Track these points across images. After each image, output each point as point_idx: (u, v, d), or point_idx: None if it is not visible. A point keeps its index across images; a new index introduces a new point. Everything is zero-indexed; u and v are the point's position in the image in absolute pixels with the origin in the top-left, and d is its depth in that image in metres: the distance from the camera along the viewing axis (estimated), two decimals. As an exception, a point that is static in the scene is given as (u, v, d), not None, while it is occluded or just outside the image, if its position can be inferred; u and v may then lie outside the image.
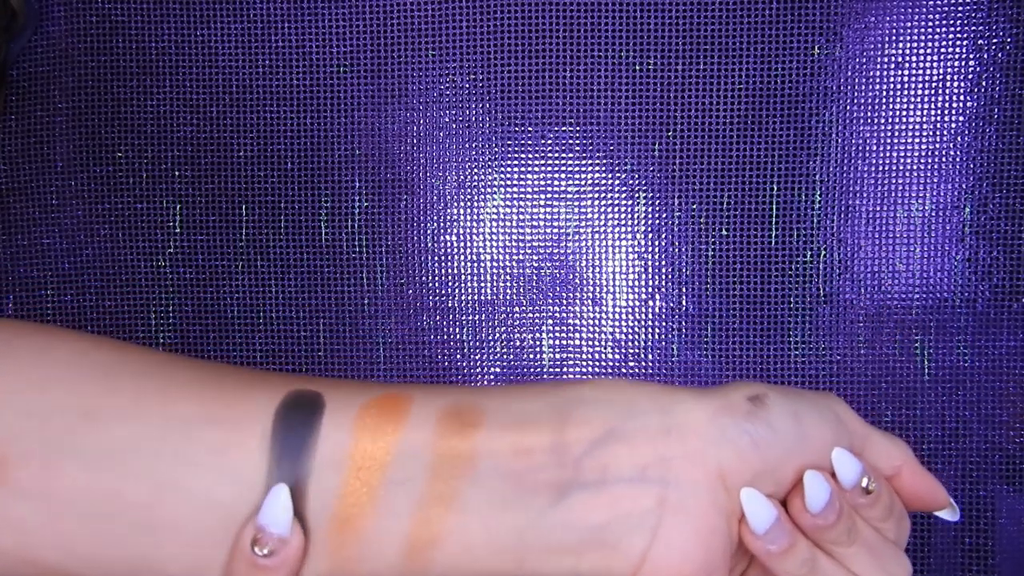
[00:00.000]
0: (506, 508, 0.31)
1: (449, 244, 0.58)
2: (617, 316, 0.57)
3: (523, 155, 0.57)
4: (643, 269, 0.57)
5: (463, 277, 0.58)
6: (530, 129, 0.57)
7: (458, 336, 0.58)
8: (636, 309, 0.57)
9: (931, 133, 0.55)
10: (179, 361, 0.35)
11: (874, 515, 0.34)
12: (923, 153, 0.55)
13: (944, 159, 0.55)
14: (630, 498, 0.31)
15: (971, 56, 0.54)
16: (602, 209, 0.57)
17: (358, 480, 0.31)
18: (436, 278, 0.58)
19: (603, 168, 0.57)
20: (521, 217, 0.57)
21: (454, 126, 0.57)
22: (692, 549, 0.31)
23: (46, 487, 0.31)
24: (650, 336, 0.57)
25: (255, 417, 0.32)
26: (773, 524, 0.32)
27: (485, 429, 0.32)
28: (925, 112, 0.55)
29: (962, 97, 0.55)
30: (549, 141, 0.57)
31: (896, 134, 0.55)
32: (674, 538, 0.31)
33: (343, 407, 0.32)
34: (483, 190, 0.57)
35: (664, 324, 0.57)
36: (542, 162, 0.57)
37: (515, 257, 0.57)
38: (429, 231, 0.58)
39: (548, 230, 0.57)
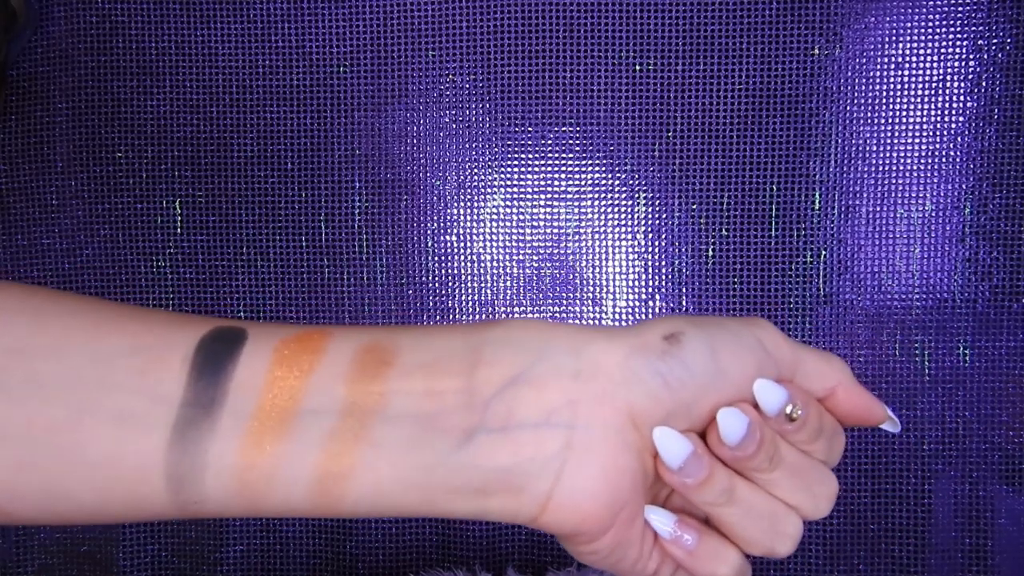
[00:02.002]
0: (415, 447, 0.31)
1: (449, 244, 0.58)
2: (617, 316, 0.57)
3: (523, 155, 0.57)
4: (643, 269, 0.57)
5: (463, 277, 0.58)
6: (530, 129, 0.57)
7: (458, 336, 0.58)
8: (636, 309, 0.57)
9: (931, 133, 0.55)
10: (109, 304, 0.36)
11: (801, 439, 0.34)
12: (923, 153, 0.55)
13: (944, 159, 0.55)
14: (534, 442, 0.31)
15: (971, 56, 0.54)
16: (602, 209, 0.57)
17: (272, 405, 0.31)
18: (436, 278, 0.58)
19: (603, 168, 0.57)
20: (521, 217, 0.57)
21: (454, 126, 0.57)
22: (597, 489, 0.31)
23: None
24: (650, 336, 0.57)
25: (178, 346, 0.32)
26: (687, 459, 0.32)
27: (398, 368, 0.32)
28: (925, 112, 0.55)
29: (962, 97, 0.55)
30: (549, 141, 0.57)
31: (896, 134, 0.55)
32: (578, 480, 0.31)
33: (264, 340, 0.33)
34: (483, 190, 0.57)
35: (664, 324, 0.57)
36: (542, 162, 0.57)
37: (515, 257, 0.57)
38: (429, 231, 0.58)
39: (548, 230, 0.57)
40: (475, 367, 0.32)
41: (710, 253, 0.57)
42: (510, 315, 0.57)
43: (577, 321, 0.57)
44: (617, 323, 0.57)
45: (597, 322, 0.57)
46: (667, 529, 0.34)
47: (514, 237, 0.57)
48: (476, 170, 0.57)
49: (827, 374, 0.35)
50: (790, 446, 0.34)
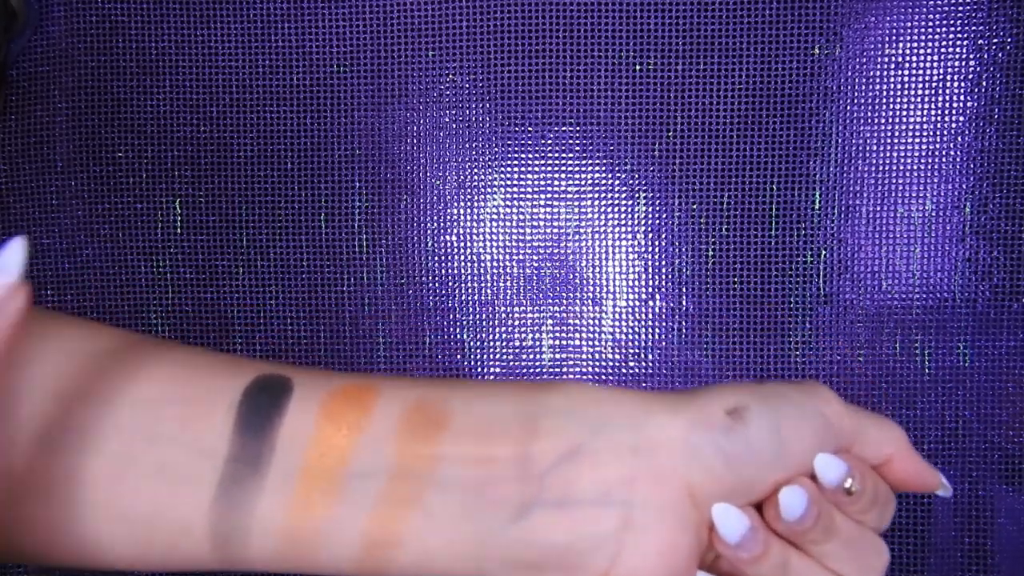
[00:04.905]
0: (467, 517, 0.30)
1: (449, 244, 0.58)
2: (617, 316, 0.57)
3: (523, 155, 0.57)
4: (643, 269, 0.57)
5: (463, 277, 0.58)
6: (530, 129, 0.57)
7: (458, 336, 0.58)
8: (636, 309, 0.57)
9: (931, 133, 0.55)
10: (151, 344, 0.35)
11: (856, 510, 0.33)
12: (923, 153, 0.55)
13: (944, 159, 0.55)
14: (592, 520, 0.30)
15: (971, 56, 0.54)
16: (602, 209, 0.57)
17: (320, 465, 0.31)
18: (436, 278, 0.58)
19: (603, 168, 0.57)
20: (521, 217, 0.57)
21: (454, 126, 0.57)
22: (654, 569, 0.31)
23: (6, 468, 0.31)
24: (650, 336, 0.57)
25: (222, 396, 0.32)
26: (745, 535, 0.32)
27: (450, 431, 0.31)
28: (925, 112, 0.55)
29: (962, 97, 0.55)
30: (549, 141, 0.57)
31: (896, 134, 0.55)
32: (636, 559, 0.31)
33: (310, 392, 0.32)
34: (483, 190, 0.57)
35: (664, 324, 0.57)
36: (542, 162, 0.57)
37: (515, 257, 0.57)
38: (429, 231, 0.58)
39: (548, 230, 0.57)
40: (530, 437, 0.31)
41: (710, 253, 0.57)
42: (510, 314, 0.57)
43: (577, 321, 0.57)
44: (617, 324, 0.57)
45: (597, 323, 0.57)
46: None
47: (514, 237, 0.57)
48: (476, 170, 0.57)
49: (884, 442, 0.34)
50: (844, 516, 0.33)
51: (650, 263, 0.57)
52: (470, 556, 0.31)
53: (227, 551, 0.31)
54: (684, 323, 0.57)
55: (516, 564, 0.31)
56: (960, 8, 0.54)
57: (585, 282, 0.57)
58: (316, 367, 0.35)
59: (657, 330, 0.57)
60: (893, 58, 0.55)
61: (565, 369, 0.57)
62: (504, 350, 0.58)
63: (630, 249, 0.57)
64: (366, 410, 0.32)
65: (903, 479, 0.35)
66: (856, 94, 0.55)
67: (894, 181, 0.55)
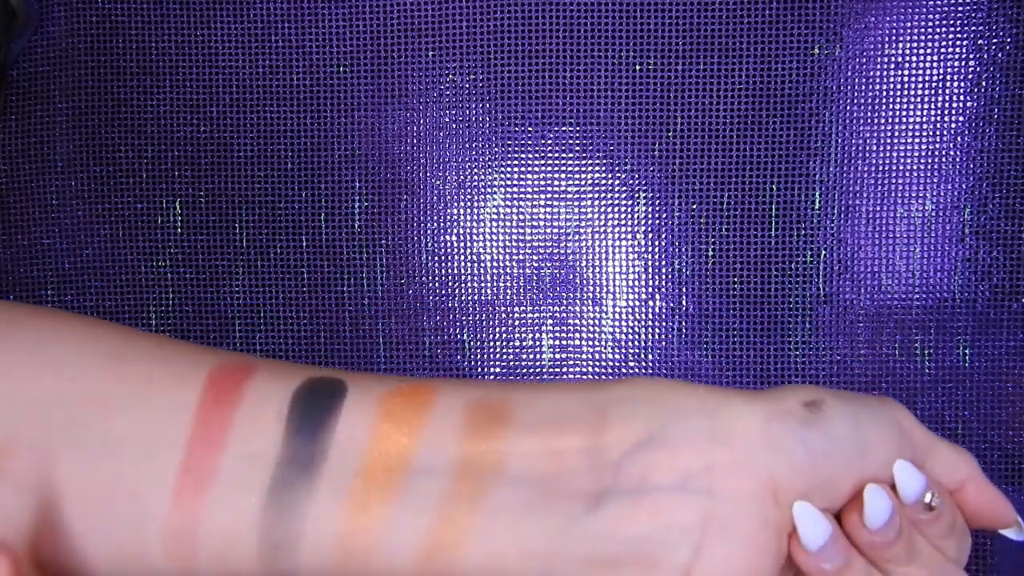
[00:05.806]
0: (536, 513, 0.29)
1: (449, 244, 0.58)
2: (617, 316, 0.57)
3: (523, 155, 0.57)
4: (643, 269, 0.57)
5: (463, 277, 0.58)
6: (530, 129, 0.57)
7: (458, 336, 0.58)
8: (636, 309, 0.57)
9: (931, 133, 0.55)
10: (185, 347, 0.33)
11: (935, 532, 0.31)
12: (923, 153, 0.55)
13: (944, 159, 0.55)
14: (672, 509, 0.29)
15: (971, 56, 0.54)
16: (602, 209, 0.57)
17: (379, 465, 0.29)
18: (436, 278, 0.58)
19: (603, 168, 0.57)
20: (521, 217, 0.57)
21: (454, 126, 0.57)
22: (739, 568, 0.29)
23: (42, 477, 0.29)
24: (650, 336, 0.57)
25: (270, 399, 0.30)
26: (828, 541, 0.30)
27: (514, 425, 0.30)
28: (925, 112, 0.55)
29: (962, 97, 0.55)
30: (549, 141, 0.57)
31: (896, 134, 0.55)
32: (719, 555, 0.29)
33: (366, 393, 0.31)
34: (483, 190, 0.57)
35: (664, 324, 0.57)
36: (542, 162, 0.57)
37: (515, 257, 0.57)
38: (429, 231, 0.58)
39: (548, 230, 0.57)
40: (601, 427, 0.30)
41: (710, 253, 0.57)
42: (510, 314, 0.57)
43: (577, 321, 0.57)
44: (617, 324, 0.57)
45: (597, 323, 0.57)
46: None
47: (514, 237, 0.57)
48: (476, 170, 0.57)
49: (958, 466, 0.33)
50: (925, 540, 0.32)
51: (650, 263, 0.57)
52: (540, 555, 0.29)
53: (276, 564, 0.29)
54: (684, 323, 0.57)
55: (591, 562, 0.29)
56: (960, 8, 0.54)
57: (585, 282, 0.57)
58: (367, 372, 0.33)
59: (657, 330, 0.57)
60: (893, 58, 0.55)
61: (565, 369, 0.57)
62: (504, 350, 0.58)
63: (630, 249, 0.57)
64: (427, 407, 0.30)
65: (976, 508, 0.33)
66: (856, 94, 0.55)
67: (894, 181, 0.55)
